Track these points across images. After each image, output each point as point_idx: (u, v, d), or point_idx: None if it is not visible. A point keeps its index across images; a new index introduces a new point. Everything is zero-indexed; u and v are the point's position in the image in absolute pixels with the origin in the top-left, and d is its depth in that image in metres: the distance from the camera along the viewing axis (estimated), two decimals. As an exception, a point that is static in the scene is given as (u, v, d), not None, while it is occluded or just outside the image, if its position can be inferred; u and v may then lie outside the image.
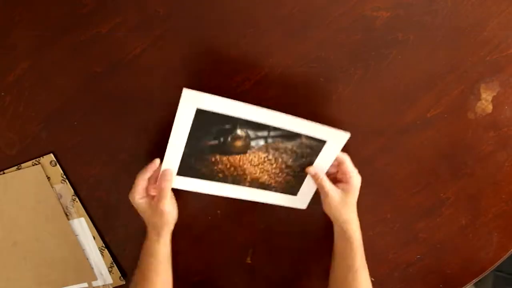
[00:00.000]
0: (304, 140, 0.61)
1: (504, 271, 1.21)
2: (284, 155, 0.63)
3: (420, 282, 0.76)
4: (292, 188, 0.66)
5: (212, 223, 0.72)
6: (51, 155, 0.68)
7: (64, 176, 0.69)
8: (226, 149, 0.62)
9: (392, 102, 0.68)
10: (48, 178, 0.69)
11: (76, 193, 0.70)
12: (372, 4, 0.64)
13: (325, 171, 0.65)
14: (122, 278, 0.74)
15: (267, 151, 0.62)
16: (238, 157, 0.62)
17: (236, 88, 0.66)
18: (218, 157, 0.62)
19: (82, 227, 0.71)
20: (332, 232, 0.69)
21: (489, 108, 0.69)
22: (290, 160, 0.63)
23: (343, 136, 0.61)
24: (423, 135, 0.70)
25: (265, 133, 0.61)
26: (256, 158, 0.63)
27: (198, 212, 0.72)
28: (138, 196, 0.61)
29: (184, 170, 0.63)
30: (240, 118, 0.59)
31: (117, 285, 0.74)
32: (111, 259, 0.73)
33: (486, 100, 0.69)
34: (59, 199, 0.70)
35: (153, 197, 0.62)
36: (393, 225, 0.74)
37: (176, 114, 0.57)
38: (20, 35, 0.63)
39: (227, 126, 0.60)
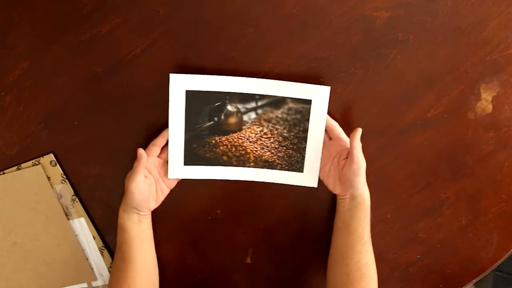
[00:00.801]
0: (291, 104, 0.64)
1: (504, 271, 1.21)
2: (277, 126, 0.65)
3: (420, 282, 0.76)
4: (297, 163, 0.67)
5: (212, 223, 0.72)
6: (51, 155, 0.68)
7: (64, 176, 0.69)
8: (223, 129, 0.65)
9: (392, 102, 0.68)
10: (48, 178, 0.69)
11: (76, 193, 0.70)
12: (372, 4, 0.64)
13: (323, 135, 0.66)
14: None
15: (260, 124, 0.65)
16: (235, 135, 0.65)
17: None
18: (217, 138, 0.65)
19: (82, 227, 0.71)
20: (333, 229, 0.69)
21: (489, 108, 0.69)
22: (285, 131, 0.65)
23: (324, 90, 0.63)
24: (423, 135, 0.70)
25: (253, 104, 0.64)
26: (253, 134, 0.65)
27: (198, 212, 0.72)
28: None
29: (189, 159, 0.65)
30: (227, 92, 0.63)
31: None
32: (111, 259, 0.73)
33: (486, 100, 0.69)
34: (59, 199, 0.70)
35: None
36: (393, 225, 0.74)
37: (169, 100, 0.62)
38: (20, 35, 0.63)
39: (217, 103, 0.63)
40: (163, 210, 0.69)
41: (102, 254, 0.73)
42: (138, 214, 0.65)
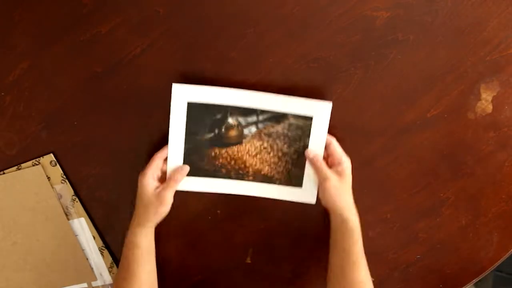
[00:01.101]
0: (292, 120, 0.63)
1: (504, 271, 1.21)
2: (278, 141, 0.65)
3: (420, 282, 0.76)
4: (296, 179, 0.66)
5: (212, 223, 0.72)
6: (51, 155, 0.68)
7: (64, 176, 0.69)
8: (223, 141, 0.65)
9: (392, 102, 0.68)
10: (48, 178, 0.69)
11: (76, 193, 0.70)
12: (372, 4, 0.64)
13: (322, 153, 0.65)
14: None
15: (261, 138, 0.65)
16: (235, 148, 0.65)
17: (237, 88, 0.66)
18: (217, 150, 0.65)
19: (82, 227, 0.71)
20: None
21: (489, 108, 0.69)
22: (285, 146, 0.65)
23: (326, 106, 0.63)
24: (423, 135, 0.70)
25: (254, 118, 0.64)
26: (253, 148, 0.65)
27: (198, 212, 0.72)
28: (151, 175, 0.63)
29: (189, 171, 0.65)
30: (229, 106, 0.62)
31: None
32: (111, 259, 0.73)
33: (486, 100, 0.69)
34: (59, 199, 0.70)
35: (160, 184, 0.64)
36: (393, 225, 0.74)
37: (171, 111, 0.62)
38: (20, 35, 0.63)
39: (219, 116, 0.63)
40: (163, 210, 0.69)
41: (102, 254, 0.73)
42: (152, 223, 0.64)
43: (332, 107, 0.63)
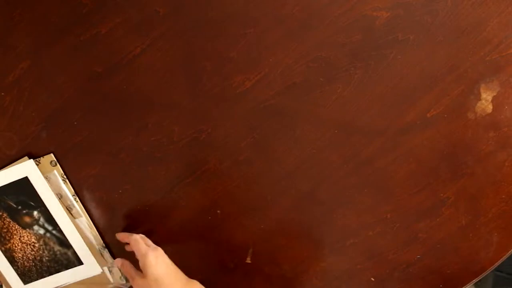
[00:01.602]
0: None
1: (504, 271, 1.21)
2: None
3: (420, 282, 0.76)
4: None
5: (212, 223, 0.72)
6: (51, 155, 0.68)
7: (64, 176, 0.69)
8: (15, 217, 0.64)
9: (392, 102, 0.68)
10: (49, 178, 0.69)
11: (76, 193, 0.70)
12: (372, 4, 0.64)
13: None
14: (122, 278, 0.74)
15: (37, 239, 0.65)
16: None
17: (236, 88, 0.66)
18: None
19: (82, 227, 0.71)
20: (333, 229, 0.69)
21: (489, 108, 0.69)
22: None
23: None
24: (423, 135, 0.70)
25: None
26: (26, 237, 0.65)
27: (198, 212, 0.72)
28: None
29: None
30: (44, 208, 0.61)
31: (117, 285, 0.74)
32: (111, 259, 0.73)
33: (486, 100, 0.69)
34: (59, 199, 0.70)
35: None
36: (393, 225, 0.74)
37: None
38: (20, 35, 0.63)
39: (32, 203, 0.63)
40: (163, 210, 0.69)
41: (102, 254, 0.73)
42: None
43: (333, 107, 0.63)
